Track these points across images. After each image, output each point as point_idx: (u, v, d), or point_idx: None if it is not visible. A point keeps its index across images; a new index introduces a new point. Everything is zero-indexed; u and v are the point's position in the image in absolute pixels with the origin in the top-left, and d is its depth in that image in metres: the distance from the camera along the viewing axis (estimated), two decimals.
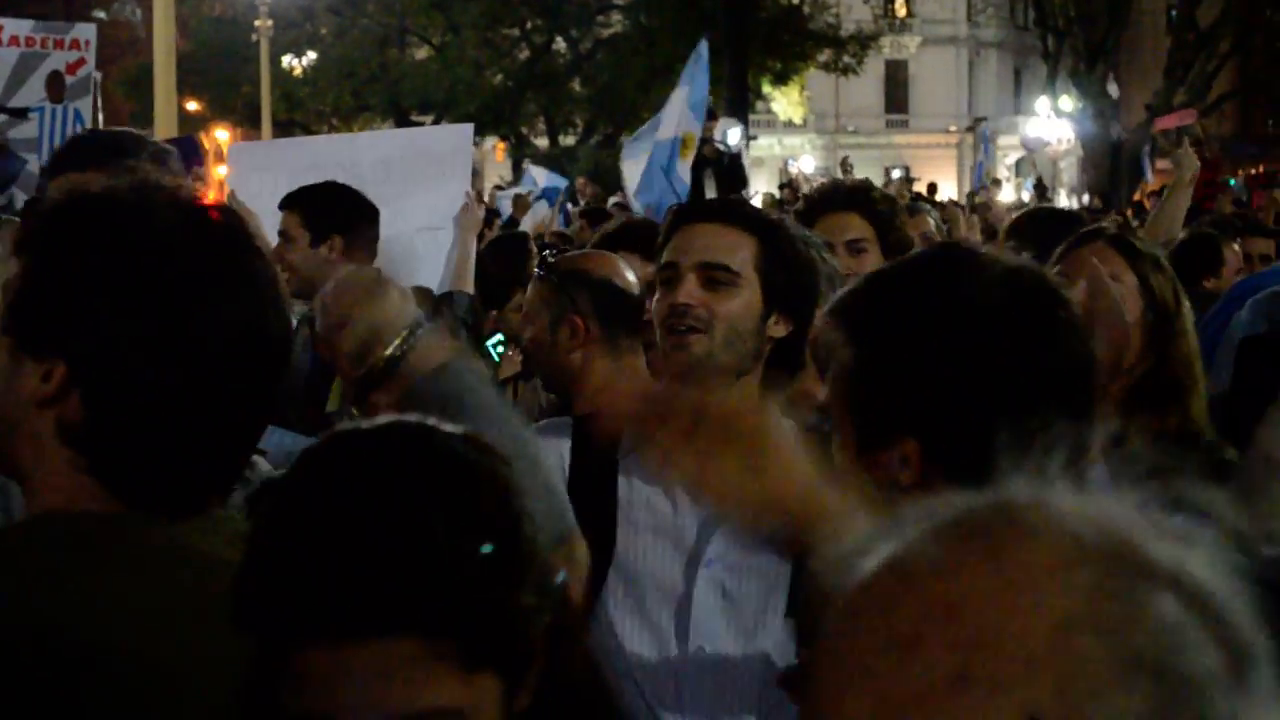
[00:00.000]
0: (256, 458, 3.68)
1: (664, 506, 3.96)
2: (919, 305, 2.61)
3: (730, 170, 16.95)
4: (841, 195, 6.11)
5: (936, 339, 2.56)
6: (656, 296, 4.15)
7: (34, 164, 10.88)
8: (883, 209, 5.95)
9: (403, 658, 1.88)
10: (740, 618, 3.85)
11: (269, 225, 7.87)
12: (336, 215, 7.59)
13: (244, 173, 9.21)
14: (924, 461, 2.54)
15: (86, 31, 11.88)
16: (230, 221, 2.50)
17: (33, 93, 11.23)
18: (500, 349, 8.48)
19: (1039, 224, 7.14)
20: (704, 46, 16.88)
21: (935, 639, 1.19)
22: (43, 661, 2.18)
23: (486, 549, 1.93)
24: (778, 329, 4.12)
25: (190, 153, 11.54)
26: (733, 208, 4.31)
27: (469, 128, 11.19)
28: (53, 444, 2.36)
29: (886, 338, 2.61)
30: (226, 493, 2.55)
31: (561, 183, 19.93)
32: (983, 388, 2.52)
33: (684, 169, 15.57)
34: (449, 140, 10.35)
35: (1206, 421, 4.43)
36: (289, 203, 7.57)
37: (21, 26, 11.48)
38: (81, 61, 11.66)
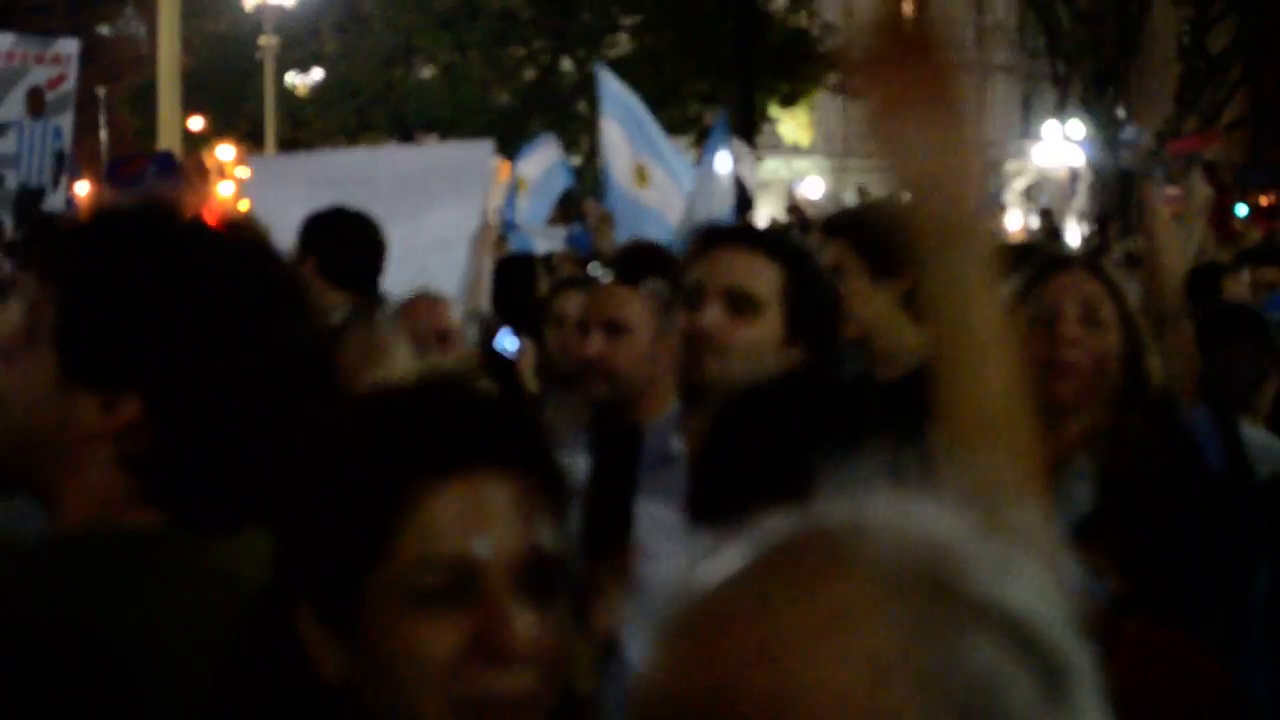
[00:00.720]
0: None
1: (680, 532, 3.79)
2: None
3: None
4: (827, 223, 6.16)
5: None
6: (679, 314, 4.19)
7: (12, 179, 10.83)
8: (856, 228, 5.86)
9: (526, 495, 2.01)
10: None
11: (287, 240, 7.66)
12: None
13: (263, 186, 9.17)
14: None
15: (68, 47, 11.81)
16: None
17: (12, 108, 11.10)
18: (512, 344, 8.39)
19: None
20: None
21: (752, 688, 1.18)
22: (88, 673, 2.20)
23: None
24: (794, 356, 4.12)
25: (167, 169, 11.48)
26: (761, 233, 4.41)
27: (489, 144, 11.06)
28: (98, 468, 2.35)
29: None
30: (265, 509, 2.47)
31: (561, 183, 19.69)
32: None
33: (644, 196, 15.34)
34: (468, 157, 10.40)
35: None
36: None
37: (2, 41, 11.33)
38: (62, 77, 11.58)
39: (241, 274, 2.41)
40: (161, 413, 2.33)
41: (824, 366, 4.19)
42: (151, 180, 11.52)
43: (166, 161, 11.99)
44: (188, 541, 2.37)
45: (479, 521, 1.96)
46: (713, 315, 4.08)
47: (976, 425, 2.21)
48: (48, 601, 2.26)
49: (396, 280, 7.40)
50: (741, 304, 4.10)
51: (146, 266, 2.38)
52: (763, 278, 4.14)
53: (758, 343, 4.07)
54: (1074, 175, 56.17)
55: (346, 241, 7.40)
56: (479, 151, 10.75)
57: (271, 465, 2.39)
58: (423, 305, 6.36)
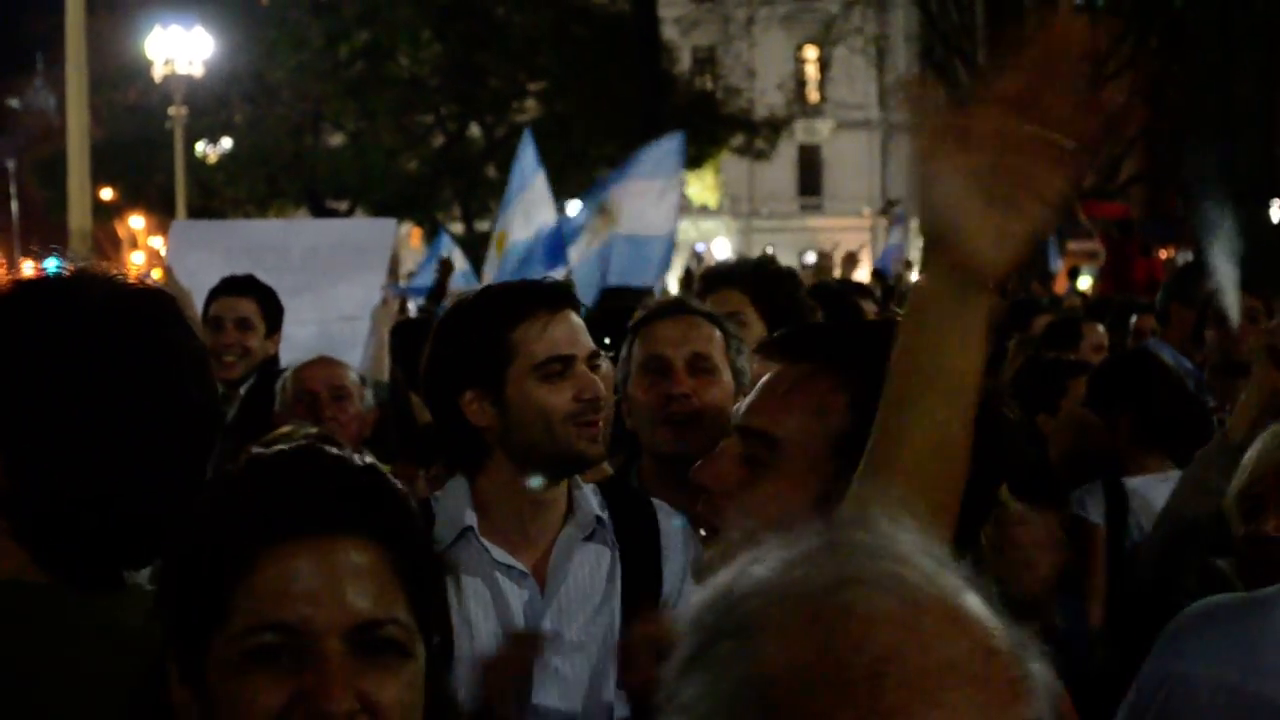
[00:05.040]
0: None
1: (487, 593, 3.97)
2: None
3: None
4: (720, 273, 6.32)
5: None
6: (544, 390, 4.03)
7: None
8: (767, 286, 6.05)
9: (368, 560, 2.01)
10: (571, 698, 3.90)
11: (201, 300, 8.04)
12: (279, 310, 7.91)
13: (183, 250, 9.36)
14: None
15: None
16: (150, 298, 2.60)
17: None
18: None
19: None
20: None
21: (1003, 648, 1.47)
22: None
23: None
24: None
25: None
26: (571, 292, 4.32)
27: (392, 222, 11.46)
28: None
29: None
30: (143, 565, 2.65)
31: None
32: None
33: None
34: (372, 233, 10.66)
35: None
36: (249, 289, 7.84)
37: None
38: None
39: (111, 332, 2.50)
40: (18, 469, 2.43)
41: None
42: None
43: None
44: (62, 596, 2.46)
45: (312, 587, 1.96)
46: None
47: (913, 471, 2.31)
48: None
49: (305, 348, 7.72)
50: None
51: (10, 327, 2.50)
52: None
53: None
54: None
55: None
56: (383, 229, 11.11)
57: (151, 523, 2.49)
58: (319, 366, 6.58)
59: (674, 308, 4.94)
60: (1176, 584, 5.18)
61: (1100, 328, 9.91)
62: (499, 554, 3.98)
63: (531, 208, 15.25)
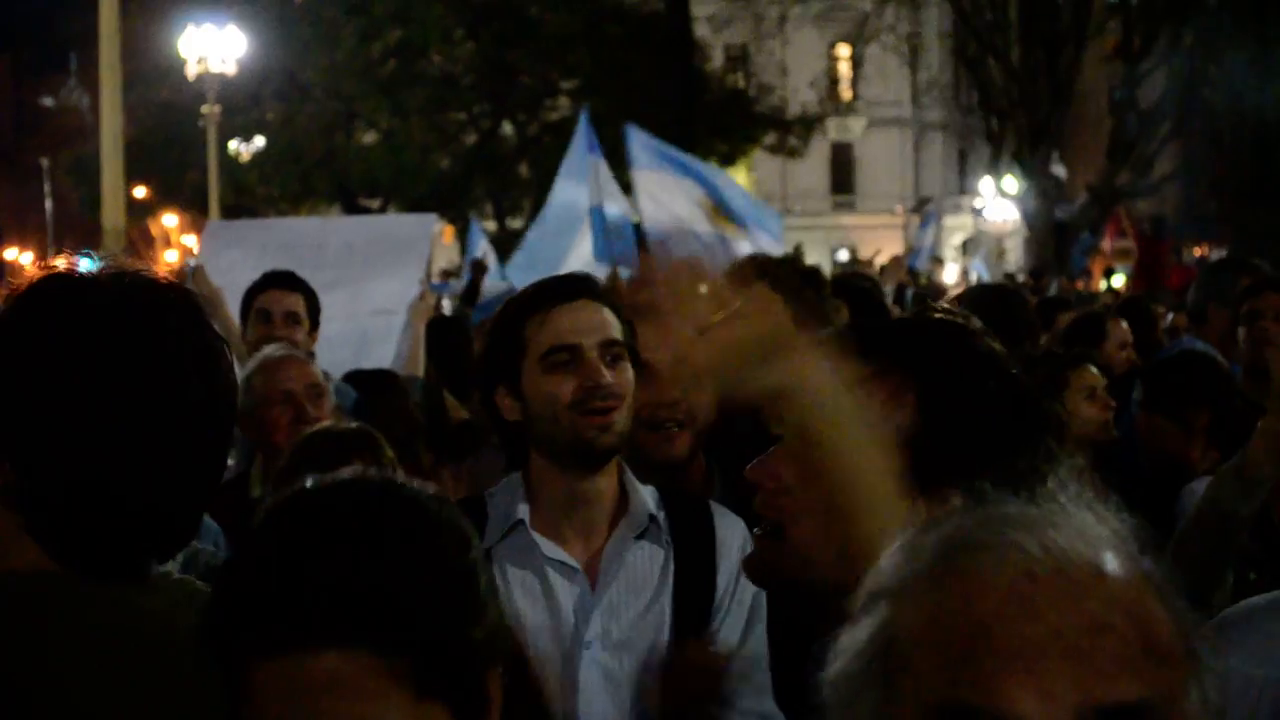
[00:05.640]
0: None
1: (537, 590, 3.98)
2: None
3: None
4: (749, 270, 6.29)
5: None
6: (549, 381, 4.04)
7: None
8: (786, 282, 5.87)
9: (353, 671, 1.90)
10: (621, 697, 3.90)
11: (237, 298, 8.03)
12: (319, 308, 7.93)
13: (217, 249, 9.35)
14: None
15: None
16: (162, 293, 2.62)
17: None
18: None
19: (979, 300, 7.29)
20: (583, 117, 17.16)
21: (1123, 624, 1.54)
22: None
23: (437, 577, 1.98)
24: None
25: None
26: (593, 283, 4.32)
27: (432, 217, 11.37)
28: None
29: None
30: (167, 557, 2.68)
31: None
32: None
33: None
34: (411, 228, 10.56)
35: None
36: (296, 285, 7.82)
37: None
38: None
39: (132, 334, 2.53)
40: (8, 447, 2.50)
41: None
42: None
43: None
44: (80, 586, 2.50)
45: (301, 701, 1.90)
46: (605, 369, 4.07)
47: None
48: None
49: (338, 344, 7.70)
50: (618, 353, 4.10)
51: (16, 327, 2.55)
52: (619, 326, 4.11)
53: (631, 390, 4.10)
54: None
55: None
56: (422, 224, 10.98)
57: (168, 515, 2.58)
58: (292, 365, 6.40)
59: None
60: (1217, 577, 5.13)
61: (1124, 324, 9.79)
62: (549, 548, 4.00)
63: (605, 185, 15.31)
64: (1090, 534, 1.62)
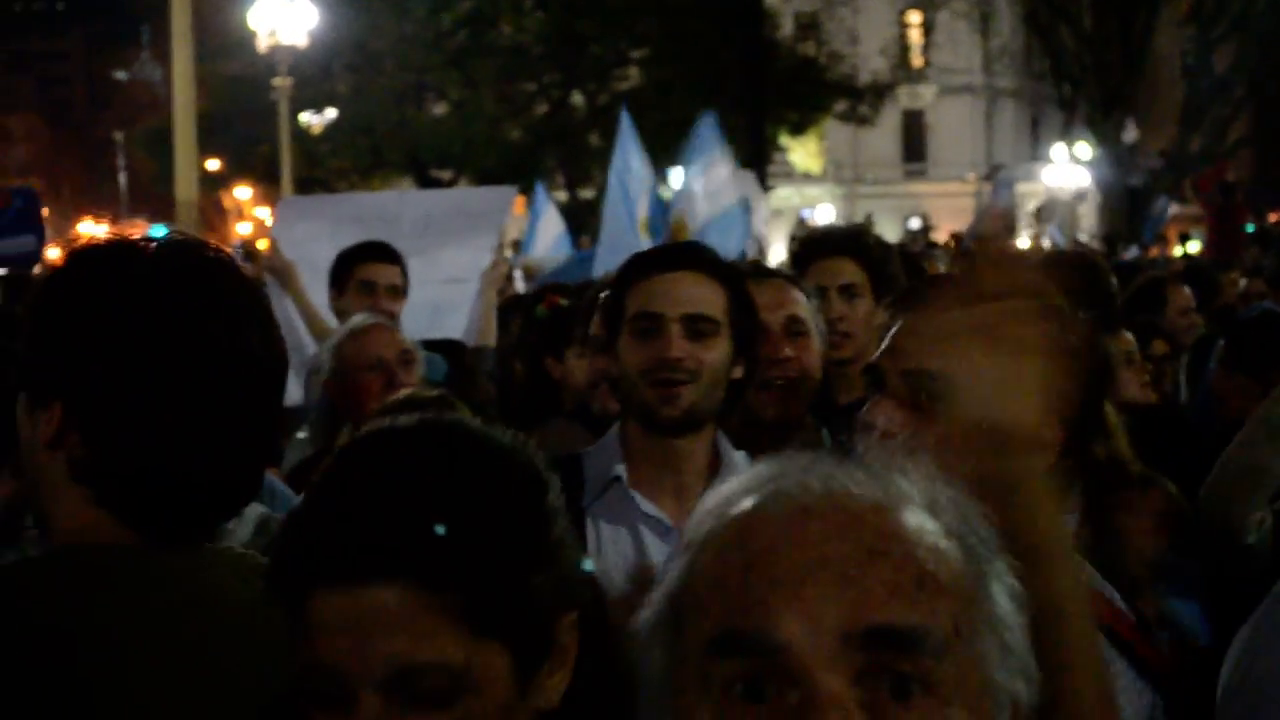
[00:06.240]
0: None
1: (629, 542, 4.05)
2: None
3: None
4: (834, 240, 6.17)
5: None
6: (630, 345, 4.15)
7: None
8: (876, 253, 6.00)
9: (405, 606, 1.92)
10: None
11: (311, 271, 8.04)
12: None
13: (290, 222, 9.37)
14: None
15: None
16: (211, 258, 2.64)
17: None
18: None
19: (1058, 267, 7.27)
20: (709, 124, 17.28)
21: (898, 552, 1.59)
22: (60, 683, 2.36)
23: (499, 518, 1.99)
24: (738, 373, 4.20)
25: (30, 204, 11.75)
26: (704, 255, 4.32)
27: (512, 190, 11.31)
28: (65, 483, 2.52)
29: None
30: (230, 518, 2.72)
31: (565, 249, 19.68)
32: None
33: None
34: (490, 200, 10.50)
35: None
36: (395, 257, 7.83)
37: None
38: None
39: (184, 300, 2.54)
40: (79, 417, 2.50)
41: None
42: (13, 218, 11.72)
43: (29, 197, 12.14)
44: (148, 557, 2.52)
45: (354, 634, 1.91)
46: (677, 342, 4.08)
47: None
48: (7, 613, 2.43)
49: (410, 313, 7.69)
50: (703, 329, 4.10)
51: (80, 293, 2.55)
52: (716, 300, 4.14)
53: (718, 364, 4.10)
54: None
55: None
56: (502, 196, 10.91)
57: (226, 471, 2.59)
58: (383, 332, 6.40)
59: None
60: (1242, 533, 5.11)
61: (1187, 290, 9.70)
62: (645, 505, 4.07)
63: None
64: (882, 481, 1.67)
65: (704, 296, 4.12)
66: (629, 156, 15.25)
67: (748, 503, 1.65)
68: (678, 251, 4.36)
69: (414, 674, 1.92)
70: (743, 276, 4.41)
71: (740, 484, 1.69)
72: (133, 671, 2.41)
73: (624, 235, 14.03)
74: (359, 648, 1.91)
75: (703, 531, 1.67)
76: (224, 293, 2.59)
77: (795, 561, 1.57)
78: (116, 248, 2.61)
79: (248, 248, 11.60)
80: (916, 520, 1.63)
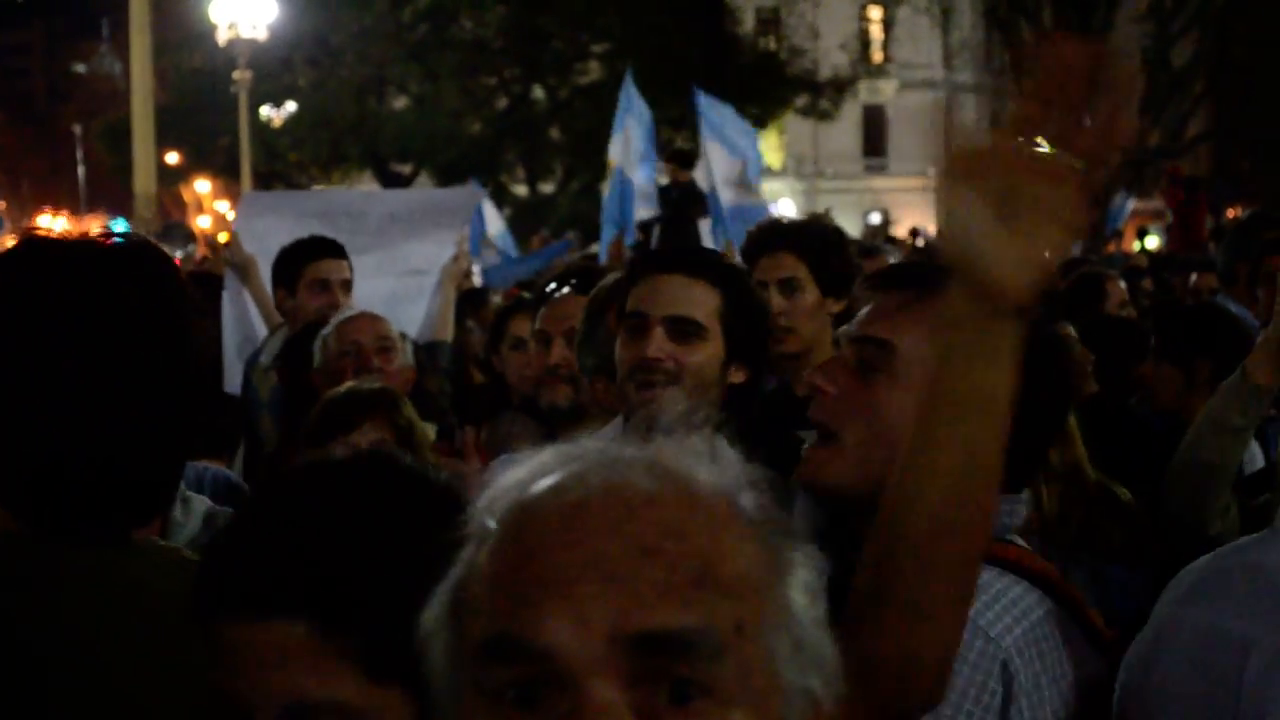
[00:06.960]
0: (194, 495, 3.81)
1: None
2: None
3: (679, 204, 16.90)
4: (772, 234, 6.19)
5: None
6: (620, 344, 4.22)
7: None
8: (817, 245, 5.99)
9: (304, 644, 1.92)
10: None
11: (271, 266, 8.05)
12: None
13: (251, 217, 9.34)
14: None
15: None
16: (137, 259, 2.62)
17: None
18: None
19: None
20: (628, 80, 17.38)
21: (674, 549, 1.52)
22: None
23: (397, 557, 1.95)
24: (737, 376, 4.23)
25: None
26: (696, 258, 4.38)
27: (480, 191, 11.28)
28: None
29: None
30: (143, 522, 2.65)
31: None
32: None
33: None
34: (456, 199, 10.52)
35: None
36: (343, 252, 7.88)
37: None
38: None
39: (101, 300, 2.52)
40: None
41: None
42: None
43: None
44: (52, 549, 2.50)
45: (254, 667, 1.92)
46: (659, 343, 4.13)
47: (947, 488, 2.20)
48: None
49: (365, 304, 7.72)
50: (686, 330, 4.14)
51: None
52: (703, 304, 4.16)
53: (703, 367, 4.14)
54: None
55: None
56: (468, 195, 10.90)
57: (140, 479, 2.57)
58: (364, 320, 6.49)
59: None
60: (1207, 526, 5.16)
61: (1122, 284, 9.74)
62: None
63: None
64: (675, 471, 1.59)
65: (690, 298, 4.16)
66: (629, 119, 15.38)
67: (533, 490, 1.58)
68: (674, 254, 4.42)
69: (308, 712, 1.92)
70: (744, 280, 4.45)
71: (531, 467, 1.62)
72: (34, 661, 2.39)
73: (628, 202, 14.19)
74: (259, 681, 1.92)
75: (483, 525, 1.61)
76: (132, 292, 2.57)
77: (565, 561, 1.51)
78: (23, 248, 2.60)
79: (210, 241, 11.59)
80: (703, 513, 1.56)
